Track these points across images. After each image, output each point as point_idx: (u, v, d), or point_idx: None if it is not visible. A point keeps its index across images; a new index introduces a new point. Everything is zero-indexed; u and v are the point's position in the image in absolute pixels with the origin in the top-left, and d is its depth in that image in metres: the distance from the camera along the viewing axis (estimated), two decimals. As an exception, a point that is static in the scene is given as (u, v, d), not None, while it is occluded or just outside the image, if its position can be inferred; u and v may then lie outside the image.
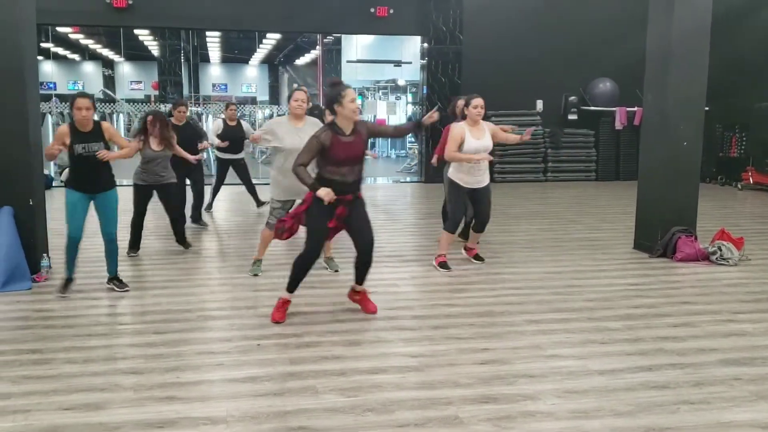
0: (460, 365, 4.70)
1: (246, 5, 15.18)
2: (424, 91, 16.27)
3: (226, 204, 11.46)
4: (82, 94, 6.28)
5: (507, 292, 6.56)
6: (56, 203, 12.11)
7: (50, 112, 18.76)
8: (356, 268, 5.81)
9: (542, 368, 4.67)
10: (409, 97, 26.61)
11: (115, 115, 26.36)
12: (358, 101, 5.82)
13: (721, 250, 7.76)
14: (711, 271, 7.47)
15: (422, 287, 6.87)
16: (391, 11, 15.47)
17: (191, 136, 9.27)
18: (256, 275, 7.10)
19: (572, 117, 16.35)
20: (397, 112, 25.47)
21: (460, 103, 7.89)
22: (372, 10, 15.42)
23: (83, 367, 4.62)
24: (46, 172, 13.11)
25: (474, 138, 7.19)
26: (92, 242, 8.81)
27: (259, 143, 7.21)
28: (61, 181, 14.57)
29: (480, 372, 4.58)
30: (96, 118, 6.32)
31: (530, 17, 15.58)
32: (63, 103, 22.88)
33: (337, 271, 7.22)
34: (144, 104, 28.93)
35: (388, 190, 15.57)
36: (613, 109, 16.08)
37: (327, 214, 5.47)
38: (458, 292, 6.58)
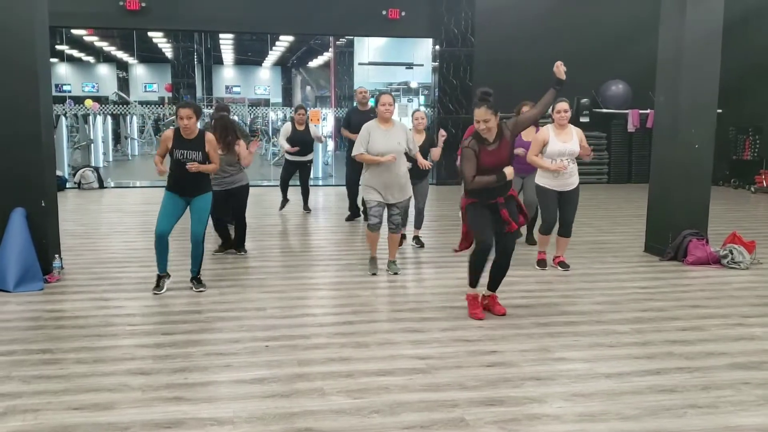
0: (467, 367, 4.71)
1: (259, 8, 15.24)
2: (436, 94, 16.27)
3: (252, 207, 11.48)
4: (186, 104, 6.53)
5: (515, 294, 6.55)
6: (69, 204, 12.25)
7: (64, 114, 18.90)
8: (490, 272, 5.88)
9: (549, 371, 4.66)
10: (421, 100, 26.63)
11: (128, 117, 26.52)
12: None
13: (732, 253, 7.72)
14: (722, 274, 7.43)
15: (431, 289, 6.87)
16: (403, 14, 15.49)
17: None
18: (373, 274, 7.25)
19: (584, 119, 16.27)
20: (409, 114, 25.47)
21: (524, 108, 8.02)
22: (384, 12, 15.45)
23: (93, 367, 4.66)
24: (59, 173, 13.24)
25: (560, 140, 7.24)
26: (104, 244, 8.90)
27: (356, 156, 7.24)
28: (75, 183, 14.72)
29: (487, 374, 4.58)
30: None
31: (542, 19, 15.54)
32: (77, 105, 23.06)
33: (396, 273, 7.26)
34: (157, 106, 29.08)
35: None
36: (626, 111, 16.02)
37: (488, 213, 5.63)
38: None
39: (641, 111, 15.74)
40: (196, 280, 6.70)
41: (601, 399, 4.22)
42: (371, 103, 10.65)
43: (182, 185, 6.49)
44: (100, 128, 20.29)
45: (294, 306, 6.17)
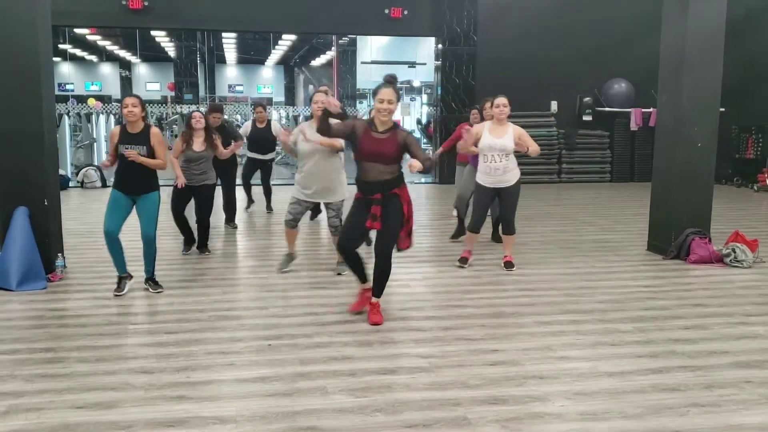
0: (470, 366, 4.71)
1: (262, 7, 15.25)
2: (439, 92, 16.26)
3: (244, 204, 11.50)
4: (132, 94, 6.50)
5: (518, 293, 6.56)
6: (72, 203, 12.26)
7: (67, 113, 18.92)
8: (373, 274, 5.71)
9: (552, 370, 4.66)
10: (424, 98, 26.62)
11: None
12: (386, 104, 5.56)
13: (735, 252, 7.71)
14: (724, 273, 7.42)
15: (434, 288, 6.88)
16: (406, 12, 15.49)
17: (225, 138, 9.41)
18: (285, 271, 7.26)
19: (587, 118, 16.28)
20: (412, 113, 25.49)
21: (487, 105, 7.97)
22: (386, 11, 15.44)
23: (95, 366, 4.67)
24: (62, 172, 13.25)
25: (492, 135, 7.20)
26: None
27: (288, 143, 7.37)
28: (78, 182, 14.73)
29: (489, 373, 4.58)
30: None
31: (545, 18, 15.52)
32: (80, 104, 23.07)
33: (339, 274, 7.17)
34: (160, 105, 29.08)
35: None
36: (629, 110, 16.00)
37: (363, 211, 5.51)
38: (470, 293, 6.58)
39: (644, 110, 15.72)
40: (152, 281, 6.59)
41: (603, 398, 4.22)
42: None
43: (127, 182, 6.31)
44: (103, 127, 20.31)
45: (296, 305, 6.17)
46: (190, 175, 7.90)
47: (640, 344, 5.18)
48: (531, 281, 7.03)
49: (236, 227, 9.89)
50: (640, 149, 16.30)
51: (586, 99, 16.21)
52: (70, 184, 14.75)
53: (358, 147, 5.49)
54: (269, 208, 11.45)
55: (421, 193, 15.04)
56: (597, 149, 16.38)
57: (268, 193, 11.44)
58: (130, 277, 6.59)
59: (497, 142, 7.18)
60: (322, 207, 7.48)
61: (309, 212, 11.40)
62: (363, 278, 5.82)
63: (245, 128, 11.18)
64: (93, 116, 20.77)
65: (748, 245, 7.79)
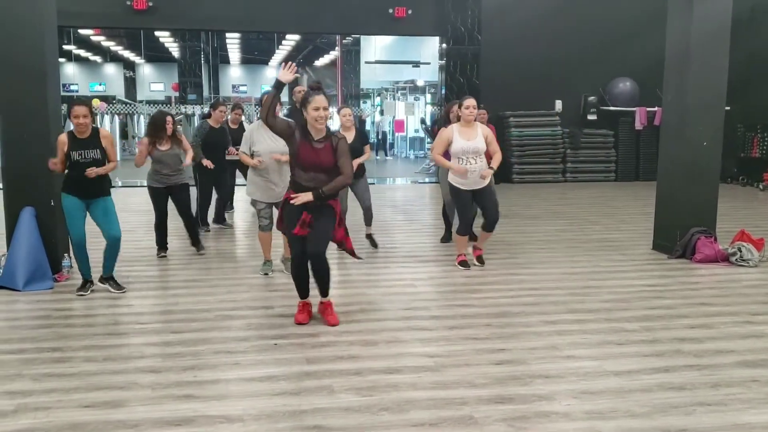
0: (476, 365, 4.71)
1: (265, 7, 15.27)
2: (443, 92, 16.26)
3: (246, 204, 11.51)
4: (79, 101, 6.38)
5: (524, 292, 6.56)
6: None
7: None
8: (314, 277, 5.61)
9: (558, 369, 4.66)
10: (428, 98, 26.62)
11: (136, 117, 26.60)
12: (327, 112, 5.41)
13: (740, 251, 7.70)
14: (730, 272, 7.41)
15: (439, 287, 6.88)
16: (410, 12, 15.51)
17: (224, 139, 9.40)
18: (266, 274, 7.17)
19: (591, 117, 16.28)
20: (416, 112, 25.50)
21: (455, 108, 7.87)
22: (390, 11, 15.47)
23: (102, 365, 4.68)
24: (67, 172, 13.25)
25: (463, 138, 7.13)
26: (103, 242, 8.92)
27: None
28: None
29: (495, 372, 4.59)
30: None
31: (549, 17, 15.52)
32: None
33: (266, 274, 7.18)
34: (164, 105, 29.12)
35: (406, 191, 15.60)
36: (633, 109, 15.99)
37: (295, 217, 5.37)
38: (475, 293, 6.58)
39: (649, 109, 15.71)
40: (113, 280, 6.58)
41: (609, 396, 4.22)
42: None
43: (84, 187, 6.25)
44: (107, 128, 20.36)
45: (302, 304, 6.18)
46: (162, 176, 7.85)
47: (646, 343, 5.18)
48: (536, 280, 7.02)
49: (204, 249, 9.73)
50: (645, 148, 16.29)
51: (591, 98, 16.21)
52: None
53: (295, 155, 5.36)
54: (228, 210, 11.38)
55: (424, 193, 15.05)
56: (602, 148, 16.37)
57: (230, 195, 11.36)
58: (93, 283, 6.55)
59: (469, 145, 7.10)
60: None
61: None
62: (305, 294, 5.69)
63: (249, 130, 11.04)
64: (97, 117, 20.81)
65: (754, 244, 7.78)
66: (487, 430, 3.80)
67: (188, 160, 8.02)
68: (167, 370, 4.59)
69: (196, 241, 8.26)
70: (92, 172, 6.14)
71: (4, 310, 6.04)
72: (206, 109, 16.66)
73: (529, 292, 6.58)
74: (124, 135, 25.65)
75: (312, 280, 5.57)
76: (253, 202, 7.15)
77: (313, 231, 5.36)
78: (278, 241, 7.05)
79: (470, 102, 7.19)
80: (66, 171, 6.30)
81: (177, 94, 31.81)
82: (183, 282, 6.89)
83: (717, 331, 5.46)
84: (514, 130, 15.50)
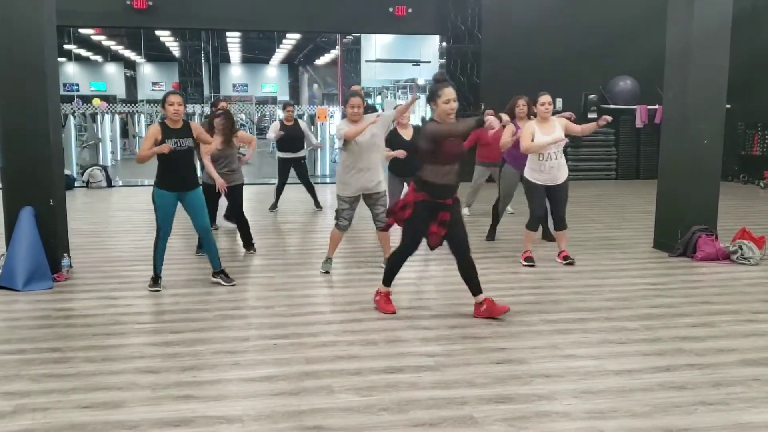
0: (476, 365, 4.69)
1: (266, 6, 15.25)
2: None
3: (252, 204, 11.51)
4: (174, 91, 6.63)
5: (524, 291, 6.54)
6: (77, 203, 12.28)
7: (73, 113, 18.96)
8: (464, 279, 5.71)
9: (559, 368, 4.65)
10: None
11: (136, 116, 26.59)
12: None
13: (742, 249, 7.68)
14: (731, 270, 7.39)
15: (440, 286, 6.87)
16: (410, 11, 15.48)
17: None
18: (327, 272, 7.25)
19: (592, 115, 16.20)
20: (417, 111, 25.46)
21: (521, 102, 8.15)
22: (391, 9, 15.44)
23: (102, 365, 4.67)
24: (67, 172, 13.28)
25: (543, 134, 7.21)
26: (112, 243, 8.92)
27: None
28: (83, 182, 14.76)
29: (496, 372, 4.57)
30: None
31: (549, 15, 15.48)
32: (85, 104, 23.11)
33: (327, 272, 7.23)
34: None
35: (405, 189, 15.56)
36: (634, 107, 15.95)
37: (429, 217, 5.45)
38: (475, 292, 6.55)
39: (649, 107, 15.67)
40: (224, 273, 6.73)
41: (610, 396, 4.20)
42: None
43: (177, 179, 6.38)
44: (108, 127, 20.35)
45: (301, 304, 6.18)
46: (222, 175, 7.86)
47: (647, 342, 5.16)
48: (537, 279, 7.01)
49: (255, 250, 9.78)
50: (646, 146, 16.25)
51: (591, 96, 16.16)
52: (76, 184, 14.77)
53: (437, 152, 5.35)
54: (318, 205, 11.52)
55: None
56: (602, 146, 16.34)
57: (311, 190, 11.50)
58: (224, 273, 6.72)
59: (552, 139, 7.20)
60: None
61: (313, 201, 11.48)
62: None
63: (275, 127, 11.26)
64: (98, 116, 20.80)
65: (755, 242, 7.76)
66: (488, 429, 3.78)
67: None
68: (167, 371, 4.57)
69: (247, 243, 8.32)
70: (222, 186, 7.04)
71: (3, 310, 6.03)
72: (207, 109, 16.71)
73: (529, 290, 6.57)
74: (124, 134, 25.66)
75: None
76: (339, 202, 7.04)
77: (457, 234, 5.53)
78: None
79: (545, 98, 7.27)
80: (158, 165, 6.39)
81: (179, 93, 31.83)
82: (183, 281, 6.88)
83: (718, 330, 5.44)
84: (515, 128, 15.49)
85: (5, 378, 4.45)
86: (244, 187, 8.32)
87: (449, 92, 5.35)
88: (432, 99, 5.41)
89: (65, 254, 7.05)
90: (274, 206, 11.42)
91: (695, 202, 8.06)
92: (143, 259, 7.76)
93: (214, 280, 6.73)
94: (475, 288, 5.68)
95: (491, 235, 8.98)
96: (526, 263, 7.49)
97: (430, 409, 4.01)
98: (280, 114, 25.44)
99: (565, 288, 6.67)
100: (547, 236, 8.70)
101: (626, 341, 5.19)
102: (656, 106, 14.98)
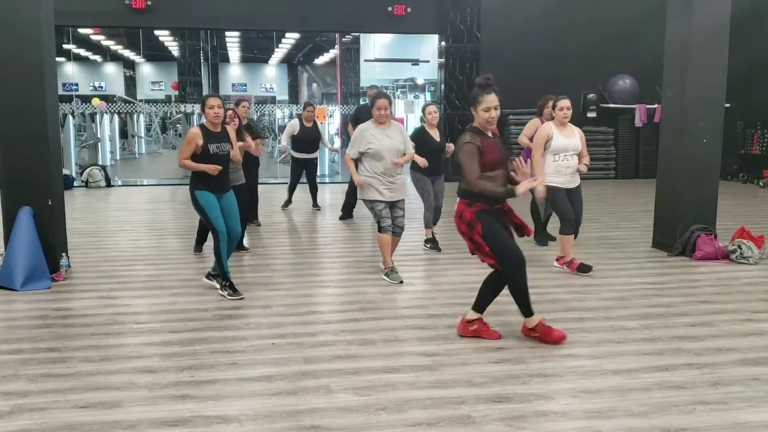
0: (474, 364, 4.69)
1: (265, 5, 15.25)
2: (442, 90, 16.24)
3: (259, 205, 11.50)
4: (213, 94, 6.55)
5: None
6: (76, 203, 12.27)
7: (72, 113, 18.93)
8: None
9: (557, 367, 4.64)
10: (428, 96, 26.60)
11: (135, 116, 26.57)
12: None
13: (741, 248, 7.68)
14: (730, 269, 7.39)
15: (438, 286, 6.86)
16: (409, 10, 15.46)
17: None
18: (401, 282, 6.85)
19: (591, 115, 16.22)
20: (416, 111, 25.47)
21: (551, 102, 7.99)
22: (390, 8, 15.43)
23: (99, 365, 4.67)
24: (66, 172, 13.27)
25: (563, 136, 7.19)
26: (111, 243, 8.92)
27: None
28: (82, 181, 14.75)
29: (494, 371, 4.57)
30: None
31: (548, 14, 15.49)
32: (84, 104, 23.10)
33: (401, 282, 6.86)
34: (164, 105, 29.11)
35: (409, 189, 15.54)
36: (633, 106, 15.96)
37: (500, 221, 5.01)
38: (474, 291, 6.47)
39: (648, 106, 15.68)
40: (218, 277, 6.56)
41: (608, 395, 4.20)
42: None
43: (217, 182, 6.29)
44: (107, 127, 20.32)
45: (300, 303, 6.17)
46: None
47: (645, 342, 5.16)
48: (535, 278, 6.97)
49: (260, 224, 9.90)
50: (645, 146, 16.26)
51: (591, 95, 16.15)
52: (75, 183, 14.76)
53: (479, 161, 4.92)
54: (316, 205, 11.60)
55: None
56: (601, 146, 16.32)
57: (314, 191, 11.56)
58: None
59: (570, 142, 7.18)
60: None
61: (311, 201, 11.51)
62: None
63: (292, 127, 11.18)
64: (97, 116, 20.78)
65: (755, 241, 7.75)
66: (486, 429, 3.78)
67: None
68: (164, 370, 4.57)
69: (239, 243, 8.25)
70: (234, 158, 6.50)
71: (1, 309, 6.03)
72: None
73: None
74: (123, 134, 25.64)
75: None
76: (371, 205, 6.92)
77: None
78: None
79: (564, 103, 7.22)
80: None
81: (176, 93, 31.76)
82: (181, 282, 6.87)
83: (717, 329, 5.44)
84: (514, 128, 15.45)
85: (3, 378, 4.44)
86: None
87: (491, 99, 4.89)
88: (472, 104, 4.99)
89: (64, 254, 7.05)
90: (287, 204, 11.52)
91: (694, 201, 8.06)
92: (142, 259, 7.77)
93: (209, 281, 6.64)
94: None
95: (542, 240, 8.75)
96: (578, 272, 7.16)
97: (428, 409, 4.00)
98: (278, 113, 25.43)
99: (563, 287, 6.66)
100: (542, 241, 8.72)
101: (625, 341, 5.18)
102: (655, 106, 14.98)
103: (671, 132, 8.26)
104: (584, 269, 7.16)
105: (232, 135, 6.58)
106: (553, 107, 7.33)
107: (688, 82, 7.91)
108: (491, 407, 4.03)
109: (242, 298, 6.23)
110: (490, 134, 5.03)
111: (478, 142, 4.91)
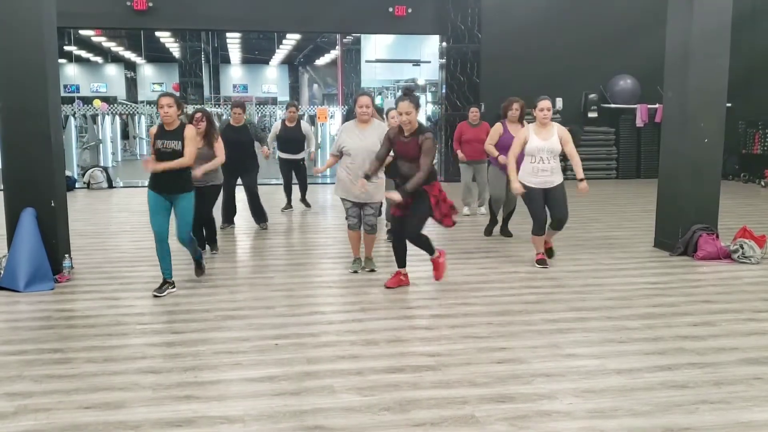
0: (477, 364, 4.69)
1: (265, 6, 15.26)
2: (443, 91, 16.25)
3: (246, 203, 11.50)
4: (166, 93, 6.55)
5: (525, 291, 6.54)
6: (78, 204, 12.29)
7: (73, 115, 18.96)
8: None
9: (559, 367, 4.65)
10: (429, 97, 26.61)
11: (136, 117, 26.59)
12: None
13: (742, 248, 7.68)
14: (732, 269, 7.39)
15: (440, 286, 6.86)
16: (410, 11, 15.47)
17: (246, 138, 9.47)
18: (355, 272, 7.26)
19: (592, 115, 16.24)
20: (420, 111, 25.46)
21: (515, 105, 8.41)
22: (390, 9, 15.43)
23: (103, 366, 4.68)
24: (68, 173, 13.29)
25: (539, 138, 7.24)
26: (114, 244, 8.93)
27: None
28: (84, 183, 14.76)
29: (497, 371, 4.57)
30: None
31: (549, 14, 15.49)
32: (86, 106, 23.12)
33: (373, 270, 7.26)
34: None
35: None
36: (634, 106, 15.96)
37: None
38: (476, 291, 6.57)
39: (650, 106, 15.68)
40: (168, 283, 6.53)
41: (611, 395, 4.20)
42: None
43: (162, 181, 6.28)
44: (108, 128, 20.35)
45: (302, 304, 6.18)
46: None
47: (648, 341, 5.16)
48: (538, 279, 7.01)
49: (266, 228, 9.88)
50: (646, 145, 16.26)
51: (592, 95, 16.17)
52: (77, 185, 14.77)
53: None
54: (305, 201, 11.66)
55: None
56: (603, 146, 16.33)
57: (303, 189, 11.61)
58: (173, 285, 6.51)
59: (545, 144, 7.21)
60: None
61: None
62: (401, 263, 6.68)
63: (276, 127, 11.21)
64: (99, 117, 20.81)
65: (756, 241, 7.75)
66: (489, 429, 3.78)
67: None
68: (168, 371, 4.58)
69: (212, 243, 8.29)
70: (149, 163, 6.24)
71: (5, 311, 6.04)
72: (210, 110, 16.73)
73: (530, 290, 6.57)
74: (125, 135, 25.68)
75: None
76: (342, 201, 7.19)
77: (410, 216, 6.33)
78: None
79: (544, 103, 7.28)
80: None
81: (178, 94, 31.82)
82: (184, 282, 6.87)
83: (719, 329, 5.45)
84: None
85: (7, 379, 4.45)
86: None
87: (401, 106, 6.21)
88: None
89: (66, 255, 7.05)
90: (287, 206, 11.50)
91: (696, 201, 8.06)
92: (144, 260, 7.77)
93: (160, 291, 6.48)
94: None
95: (489, 231, 9.25)
96: (538, 265, 7.44)
97: (432, 409, 4.01)
98: (279, 114, 25.45)
99: (566, 287, 6.67)
100: (505, 232, 9.08)
101: (627, 340, 5.19)
102: (657, 105, 14.99)
103: (673, 132, 8.26)
104: (541, 263, 7.45)
105: (190, 136, 6.34)
106: (533, 107, 7.42)
107: (689, 82, 7.91)
108: (495, 407, 4.03)
109: (157, 297, 6.30)
110: (406, 133, 6.27)
111: (391, 135, 6.40)
